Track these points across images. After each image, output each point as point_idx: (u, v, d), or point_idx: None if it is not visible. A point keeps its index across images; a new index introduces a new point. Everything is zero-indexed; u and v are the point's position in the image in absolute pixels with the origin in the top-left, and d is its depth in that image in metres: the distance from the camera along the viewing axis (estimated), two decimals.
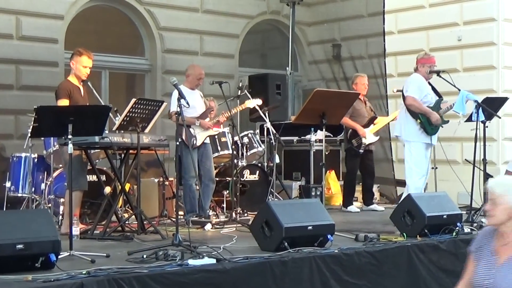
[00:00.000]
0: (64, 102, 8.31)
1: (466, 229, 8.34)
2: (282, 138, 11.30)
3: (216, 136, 10.28)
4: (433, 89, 10.03)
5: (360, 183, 11.88)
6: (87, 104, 8.62)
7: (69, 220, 6.90)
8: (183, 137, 9.13)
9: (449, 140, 10.18)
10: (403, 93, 10.06)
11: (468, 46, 13.02)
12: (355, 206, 11.56)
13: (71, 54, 8.77)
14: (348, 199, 11.64)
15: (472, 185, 9.48)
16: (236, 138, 10.27)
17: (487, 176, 9.89)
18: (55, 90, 8.56)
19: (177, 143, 7.39)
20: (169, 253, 6.30)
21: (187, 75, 9.90)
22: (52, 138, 8.96)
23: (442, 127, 10.03)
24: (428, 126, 9.79)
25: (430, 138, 9.83)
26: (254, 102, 10.41)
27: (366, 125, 11.44)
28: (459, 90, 9.76)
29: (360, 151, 11.41)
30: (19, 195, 9.52)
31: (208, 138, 9.84)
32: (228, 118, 9.90)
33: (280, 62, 14.77)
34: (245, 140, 10.91)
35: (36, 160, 9.56)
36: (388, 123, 11.84)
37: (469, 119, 9.82)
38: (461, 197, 10.93)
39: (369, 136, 11.38)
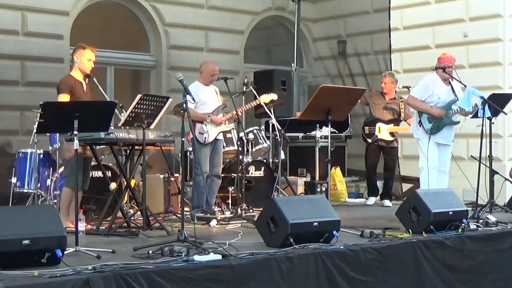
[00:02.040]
0: (64, 97, 8.28)
1: (472, 226, 8.31)
2: (287, 134, 11.29)
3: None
4: (453, 90, 9.94)
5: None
6: (90, 99, 8.59)
7: (75, 216, 6.90)
8: (196, 133, 9.19)
9: (455, 137, 10.14)
10: None
11: (474, 42, 12.99)
12: (372, 198, 12.18)
13: (73, 50, 8.75)
14: (368, 192, 12.33)
15: (478, 182, 9.46)
16: (241, 134, 10.26)
17: (493, 173, 9.90)
18: (57, 85, 8.52)
19: (183, 139, 7.38)
20: (175, 249, 6.30)
21: (200, 71, 9.96)
22: (57, 134, 8.95)
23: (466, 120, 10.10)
24: (428, 125, 9.77)
25: (431, 137, 9.79)
26: (269, 97, 10.40)
27: (386, 123, 11.75)
28: (465, 86, 9.74)
29: (368, 140, 11.82)
30: (25, 191, 9.54)
31: (221, 134, 9.86)
32: (241, 113, 9.95)
33: (285, 58, 14.76)
34: (251, 136, 10.93)
35: (41, 156, 9.57)
36: None
37: (475, 115, 9.80)
38: (467, 194, 10.92)
39: (383, 132, 11.57)
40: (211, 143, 9.72)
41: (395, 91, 11.95)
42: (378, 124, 11.73)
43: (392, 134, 11.74)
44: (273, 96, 10.44)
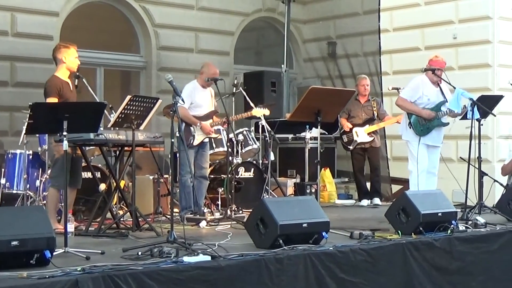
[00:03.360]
0: (53, 100, 8.23)
1: (461, 227, 8.33)
2: (277, 135, 11.29)
3: None
4: (442, 92, 9.98)
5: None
6: (76, 98, 8.55)
7: (64, 216, 6.90)
8: (181, 133, 9.14)
9: (444, 138, 10.17)
10: None
11: (463, 44, 13.04)
12: (365, 200, 12.18)
13: (56, 51, 8.61)
14: (359, 194, 12.42)
15: (467, 183, 9.48)
16: (231, 135, 10.26)
17: (482, 174, 9.92)
18: (44, 87, 8.44)
19: (172, 140, 7.37)
20: (164, 250, 6.29)
21: (201, 72, 9.91)
22: (47, 134, 8.92)
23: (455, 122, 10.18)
24: (417, 127, 9.80)
25: (420, 138, 9.81)
26: (261, 112, 10.34)
27: (361, 125, 11.67)
28: (454, 88, 9.77)
29: (349, 147, 11.97)
30: (14, 192, 9.50)
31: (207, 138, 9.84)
32: (232, 120, 9.95)
33: (275, 60, 14.77)
34: (240, 137, 10.91)
35: (31, 156, 9.54)
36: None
37: (464, 117, 9.82)
38: (456, 195, 10.96)
39: (361, 135, 11.66)
40: (196, 146, 9.70)
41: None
42: (354, 129, 11.87)
43: (370, 134, 11.82)
44: (266, 112, 10.36)
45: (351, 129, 11.90)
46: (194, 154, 9.66)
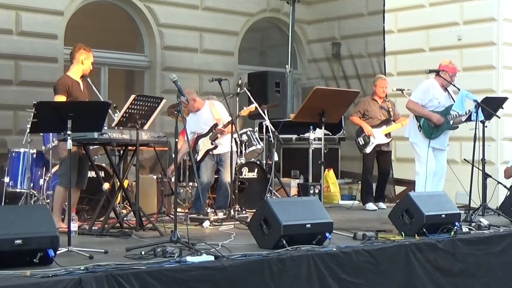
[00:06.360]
0: (60, 98, 8.28)
1: (465, 229, 8.34)
2: (281, 136, 11.29)
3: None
4: (450, 95, 9.98)
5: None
6: (87, 99, 8.61)
7: (68, 215, 6.90)
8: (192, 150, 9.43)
9: (448, 140, 10.16)
10: None
11: (468, 45, 13.02)
12: (372, 204, 11.74)
13: (76, 50, 8.66)
14: (365, 197, 11.89)
15: (471, 185, 9.47)
16: (235, 135, 10.25)
17: (485, 176, 9.91)
18: (54, 85, 8.53)
19: (176, 140, 7.39)
20: (167, 249, 6.29)
21: None
22: (51, 133, 8.94)
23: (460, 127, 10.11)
24: (428, 129, 9.80)
25: (430, 141, 9.80)
26: (247, 109, 10.33)
27: (377, 126, 11.51)
28: (459, 89, 9.76)
29: (366, 150, 11.54)
30: (18, 190, 9.52)
31: (226, 146, 9.86)
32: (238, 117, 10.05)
33: (280, 60, 14.77)
34: (244, 137, 10.91)
35: (35, 155, 9.55)
36: None
37: (469, 118, 9.82)
38: (459, 197, 10.94)
39: (378, 137, 11.45)
40: (216, 156, 10.04)
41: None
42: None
43: (386, 135, 11.66)
44: (250, 108, 10.32)
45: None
46: (211, 164, 10.10)
